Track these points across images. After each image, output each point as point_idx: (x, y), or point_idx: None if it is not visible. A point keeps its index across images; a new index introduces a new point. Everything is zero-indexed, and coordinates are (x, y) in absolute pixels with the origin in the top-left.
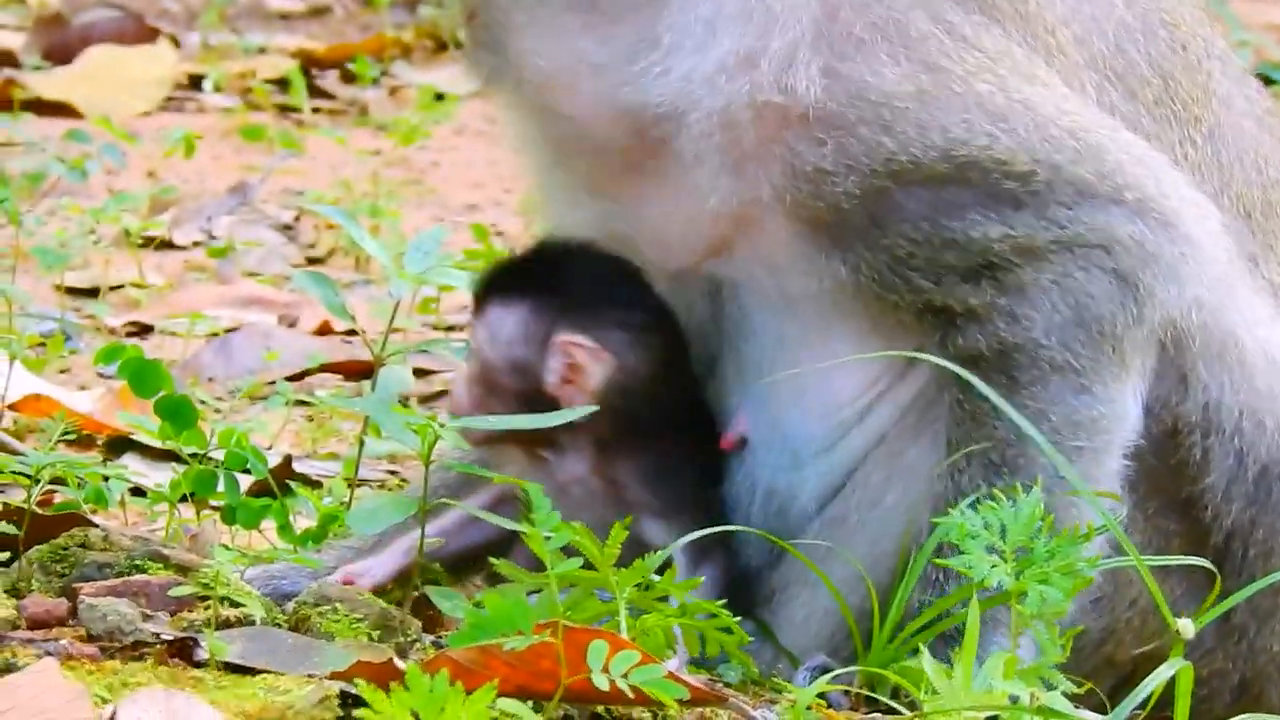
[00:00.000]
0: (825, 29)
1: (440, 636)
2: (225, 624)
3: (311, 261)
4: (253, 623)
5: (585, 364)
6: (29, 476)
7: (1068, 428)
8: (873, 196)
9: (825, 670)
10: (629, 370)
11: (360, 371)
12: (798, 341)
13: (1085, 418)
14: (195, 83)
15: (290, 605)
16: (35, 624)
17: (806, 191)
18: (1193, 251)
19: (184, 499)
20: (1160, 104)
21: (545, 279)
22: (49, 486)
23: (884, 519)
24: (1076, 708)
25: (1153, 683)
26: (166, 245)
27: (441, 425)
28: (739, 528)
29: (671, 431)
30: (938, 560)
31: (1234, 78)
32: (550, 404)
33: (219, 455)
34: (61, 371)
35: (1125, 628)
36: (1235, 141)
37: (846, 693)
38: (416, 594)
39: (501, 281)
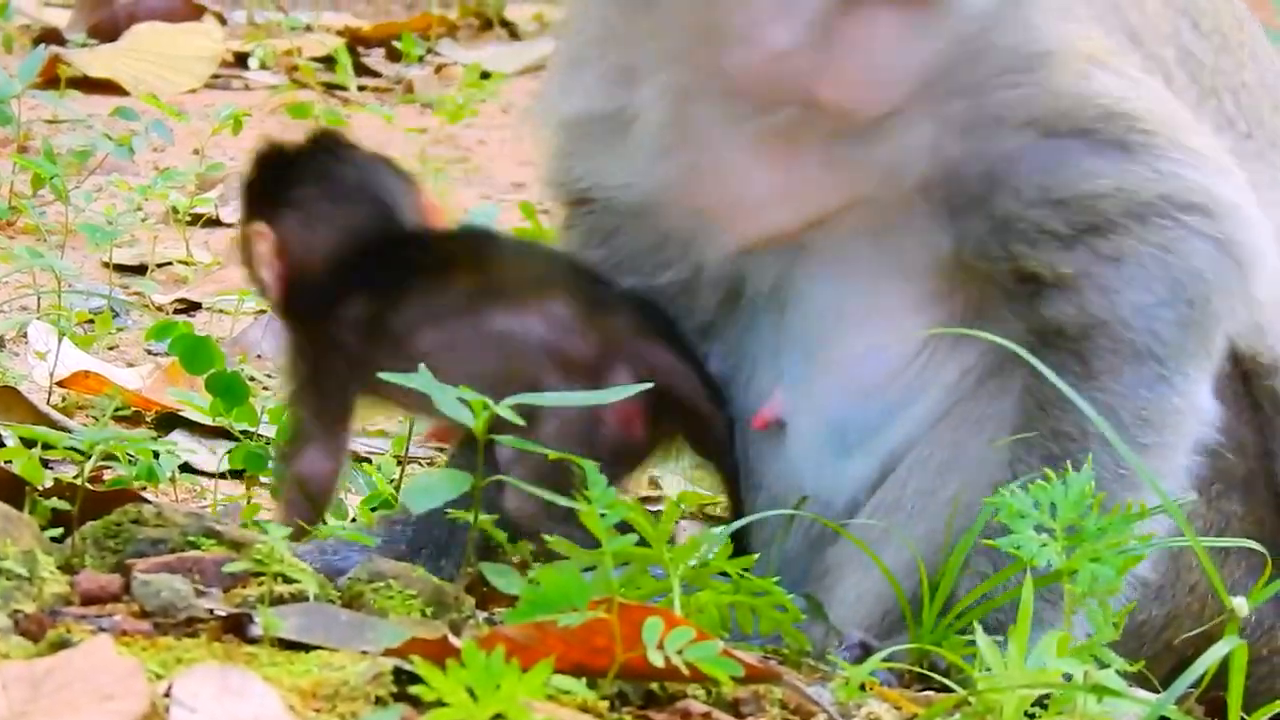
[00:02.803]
0: None
1: (494, 613)
2: (279, 600)
3: None
4: (306, 599)
5: (258, 245)
6: (81, 453)
7: (1138, 424)
8: (995, 153)
9: (865, 648)
10: (301, 245)
11: None
12: (853, 316)
13: (1158, 411)
14: (241, 60)
15: (343, 581)
16: (89, 600)
17: (942, 158)
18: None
19: (234, 475)
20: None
21: (265, 181)
22: (99, 463)
23: (940, 508)
24: (1130, 687)
25: (1207, 661)
26: (214, 222)
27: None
28: (786, 511)
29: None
30: (987, 541)
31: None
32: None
33: (269, 432)
34: (110, 348)
35: (1185, 613)
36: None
37: (894, 671)
38: (470, 570)
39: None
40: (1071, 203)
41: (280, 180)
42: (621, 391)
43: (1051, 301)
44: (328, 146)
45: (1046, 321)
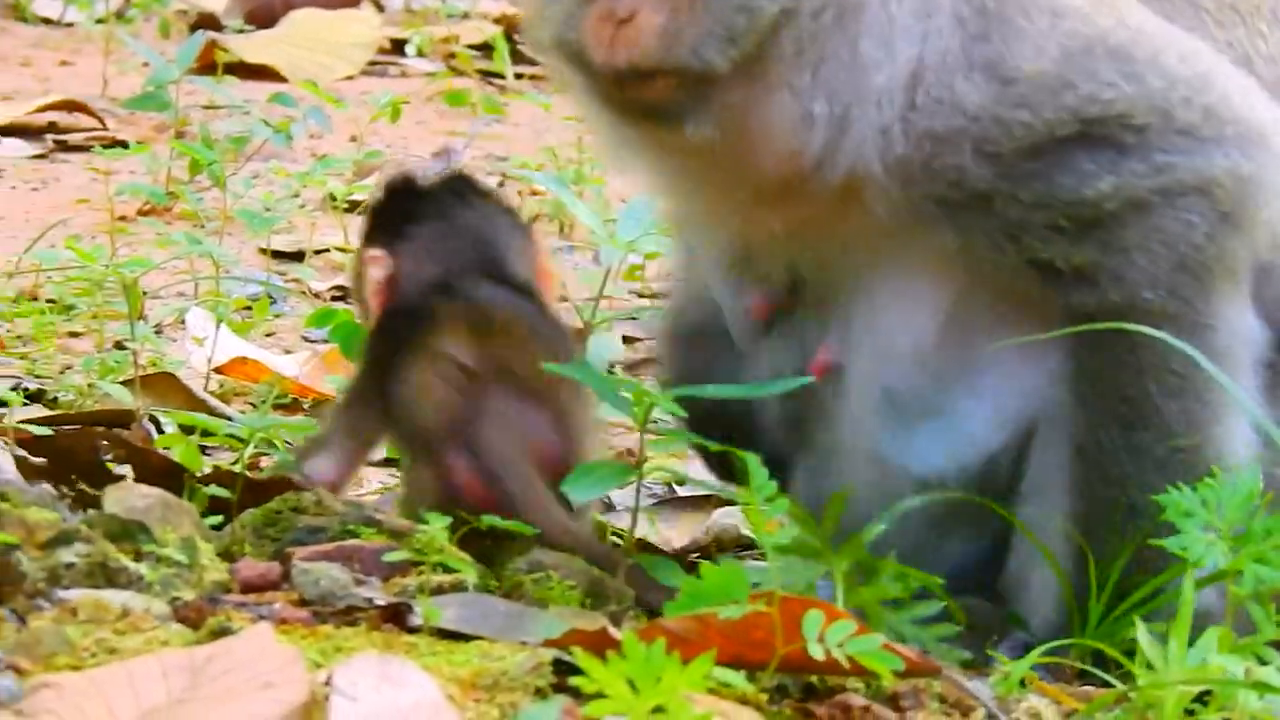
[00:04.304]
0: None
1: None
2: (438, 590)
3: None
4: (466, 589)
5: (371, 271)
6: (240, 439)
7: (1191, 370)
8: (1001, 171)
9: (1027, 645)
10: (406, 278)
11: None
12: (889, 295)
13: (1209, 353)
14: (398, 47)
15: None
16: (248, 588)
17: (939, 176)
18: None
19: (390, 463)
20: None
21: (390, 211)
22: (255, 451)
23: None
24: None
25: None
26: None
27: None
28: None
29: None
30: (1153, 541)
31: None
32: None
33: None
34: (267, 335)
35: None
36: None
37: (1048, 667)
38: (630, 562)
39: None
40: (1073, 204)
41: (404, 212)
42: (790, 383)
43: (1077, 290)
44: (456, 188)
45: (1078, 308)
